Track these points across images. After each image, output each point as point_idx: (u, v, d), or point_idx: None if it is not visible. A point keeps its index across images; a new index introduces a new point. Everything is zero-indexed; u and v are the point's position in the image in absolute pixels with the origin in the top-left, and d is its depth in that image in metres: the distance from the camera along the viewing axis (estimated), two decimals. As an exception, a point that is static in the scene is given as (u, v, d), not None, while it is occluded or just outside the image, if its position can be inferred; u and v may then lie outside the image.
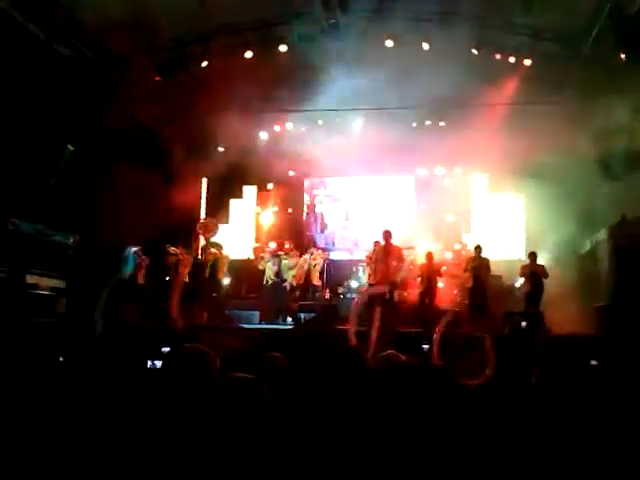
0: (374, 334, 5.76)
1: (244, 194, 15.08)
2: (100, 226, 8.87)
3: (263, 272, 11.31)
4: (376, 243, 10.19)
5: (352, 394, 2.37)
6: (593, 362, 4.64)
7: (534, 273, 10.12)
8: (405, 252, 10.46)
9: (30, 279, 8.00)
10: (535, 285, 10.04)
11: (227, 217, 14.52)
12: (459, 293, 11.50)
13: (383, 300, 8.65)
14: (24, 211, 8.48)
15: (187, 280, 9.77)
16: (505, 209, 13.85)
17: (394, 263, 9.46)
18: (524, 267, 10.44)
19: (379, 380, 2.39)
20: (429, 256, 10.89)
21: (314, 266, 11.81)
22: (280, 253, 11.57)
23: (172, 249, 10.09)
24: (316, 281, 11.87)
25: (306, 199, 15.24)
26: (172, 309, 8.26)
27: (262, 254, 11.84)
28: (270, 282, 11.09)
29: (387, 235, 9.65)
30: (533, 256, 10.40)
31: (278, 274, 11.11)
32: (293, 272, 11.24)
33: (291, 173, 14.58)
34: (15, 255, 7.92)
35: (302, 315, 10.23)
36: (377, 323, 6.27)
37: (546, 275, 10.07)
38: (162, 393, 2.12)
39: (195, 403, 2.03)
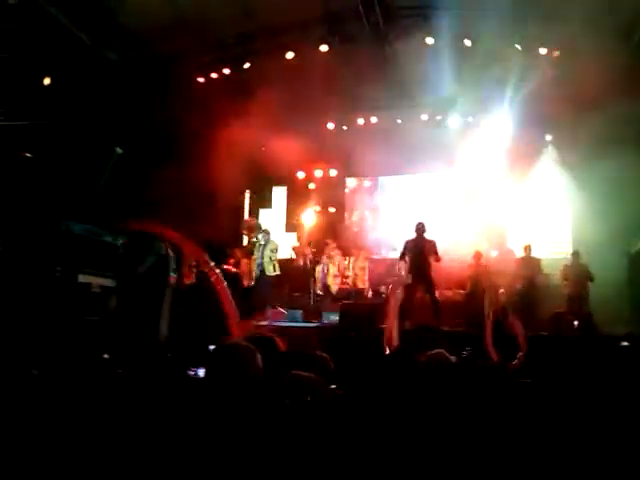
0: None
1: (273, 196, 15.47)
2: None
3: (306, 271, 11.36)
4: (407, 241, 9.49)
5: (402, 395, 2.37)
6: None
7: (577, 274, 9.94)
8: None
9: (82, 278, 8.22)
10: (579, 286, 9.88)
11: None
12: (505, 292, 11.27)
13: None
14: (75, 212, 8.73)
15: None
16: (551, 205, 13.49)
17: (426, 255, 9.00)
18: (566, 267, 10.29)
19: (430, 382, 2.39)
20: (477, 256, 10.70)
21: (361, 269, 11.81)
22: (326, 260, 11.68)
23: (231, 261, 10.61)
24: (362, 283, 11.83)
25: (347, 198, 15.23)
26: None
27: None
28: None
29: (420, 228, 9.17)
30: (576, 256, 10.21)
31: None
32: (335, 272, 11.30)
33: (333, 172, 14.61)
34: (68, 255, 8.15)
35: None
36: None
37: (591, 277, 9.82)
38: (208, 390, 2.16)
39: (241, 398, 2.06)
